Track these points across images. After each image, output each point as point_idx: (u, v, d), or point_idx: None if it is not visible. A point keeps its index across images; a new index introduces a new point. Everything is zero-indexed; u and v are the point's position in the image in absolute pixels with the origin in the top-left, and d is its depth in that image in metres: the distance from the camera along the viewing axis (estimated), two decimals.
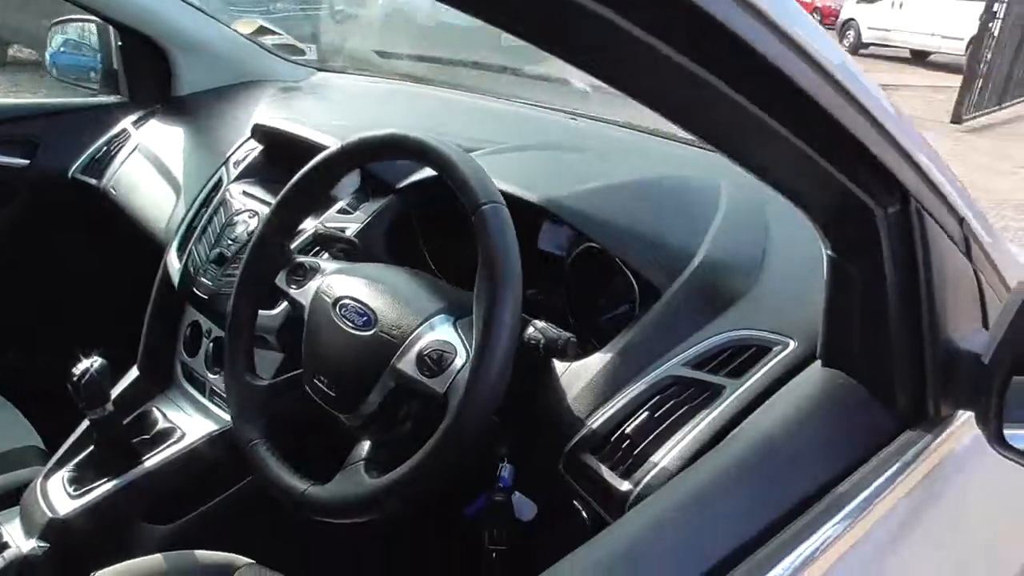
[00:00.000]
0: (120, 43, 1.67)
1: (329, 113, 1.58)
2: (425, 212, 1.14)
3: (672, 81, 0.48)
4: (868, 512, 0.62)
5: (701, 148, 1.22)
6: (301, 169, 0.95)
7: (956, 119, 8.80)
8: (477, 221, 0.75)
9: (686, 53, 0.44)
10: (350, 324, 0.84)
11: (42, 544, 1.06)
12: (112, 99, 1.73)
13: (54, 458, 1.19)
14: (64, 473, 1.16)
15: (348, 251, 1.00)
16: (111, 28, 1.68)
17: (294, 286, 0.93)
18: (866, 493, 0.62)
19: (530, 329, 0.81)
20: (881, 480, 0.64)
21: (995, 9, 8.82)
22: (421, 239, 1.13)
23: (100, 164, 1.62)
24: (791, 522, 0.59)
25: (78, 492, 1.13)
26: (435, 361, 0.77)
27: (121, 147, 1.63)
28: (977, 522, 0.78)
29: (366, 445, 0.82)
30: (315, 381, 0.86)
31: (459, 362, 0.76)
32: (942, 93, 9.94)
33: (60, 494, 1.14)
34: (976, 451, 0.72)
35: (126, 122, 1.68)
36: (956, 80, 9.33)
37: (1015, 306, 0.62)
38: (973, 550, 0.79)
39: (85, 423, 1.20)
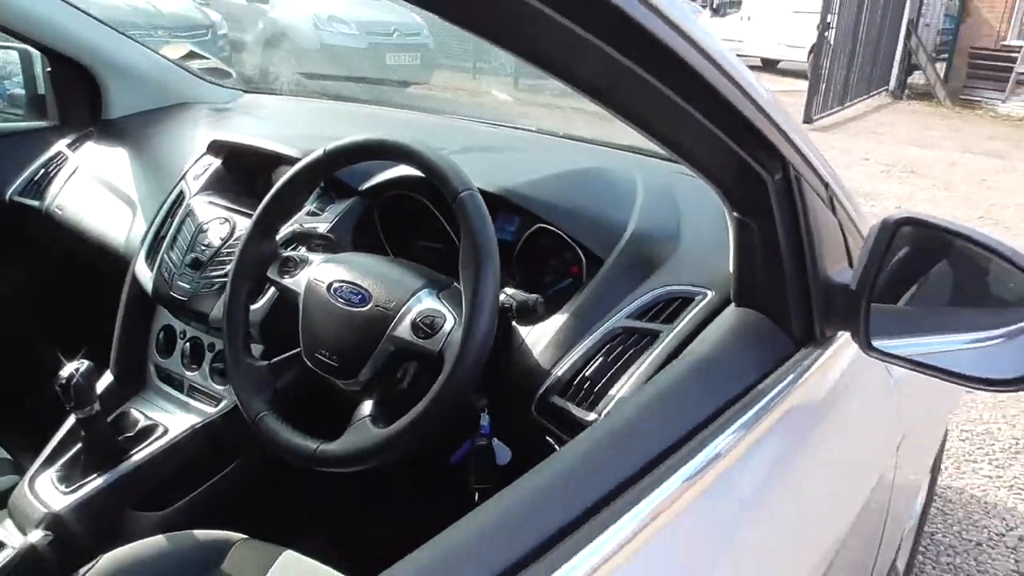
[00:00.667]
0: (49, 69, 1.72)
1: (271, 128, 1.70)
2: (383, 210, 1.29)
3: (600, 68, 0.61)
4: (772, 410, 0.80)
5: (611, 148, 1.43)
6: (269, 176, 1.08)
7: (807, 119, 9.61)
8: (458, 206, 0.92)
9: (611, 44, 0.57)
10: (345, 303, 0.98)
11: (47, 533, 1.13)
12: (42, 123, 1.78)
13: (39, 460, 1.25)
14: (52, 473, 1.23)
15: (324, 245, 1.15)
16: (36, 54, 1.73)
17: (287, 276, 1.06)
18: (770, 395, 0.81)
19: (503, 295, 0.98)
20: (782, 386, 0.84)
21: (828, 20, 9.69)
22: (381, 233, 1.28)
23: (39, 186, 1.67)
24: (707, 426, 0.74)
25: (69, 488, 1.20)
26: (428, 326, 0.93)
27: (59, 169, 1.68)
28: (854, 415, 1.00)
29: (368, 404, 0.96)
30: (316, 355, 0.99)
31: (448, 325, 0.92)
32: (792, 96, 10.78)
33: (51, 491, 1.21)
34: (852, 360, 0.94)
35: (60, 145, 1.73)
36: (804, 85, 10.18)
37: (868, 247, 0.84)
38: (852, 435, 1.00)
39: (66, 425, 1.27)
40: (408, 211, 1.23)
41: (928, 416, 1.28)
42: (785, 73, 15.17)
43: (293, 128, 1.72)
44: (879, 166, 7.25)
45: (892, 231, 0.81)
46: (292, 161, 1.12)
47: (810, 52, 10.37)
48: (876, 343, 0.85)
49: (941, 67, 13.86)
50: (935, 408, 1.34)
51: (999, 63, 13.02)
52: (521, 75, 8.78)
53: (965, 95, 13.03)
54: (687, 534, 0.65)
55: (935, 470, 1.74)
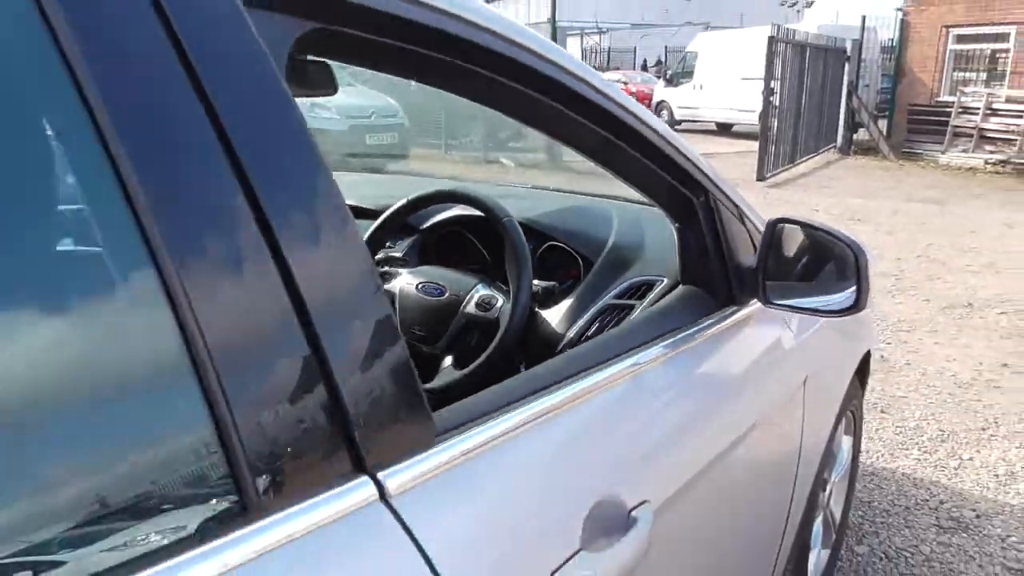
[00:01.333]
0: None
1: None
2: (437, 241, 1.78)
3: (574, 129, 1.03)
4: (696, 338, 1.22)
5: (589, 196, 1.94)
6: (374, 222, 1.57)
7: (760, 177, 10.35)
8: (503, 227, 1.40)
9: (569, 108, 0.98)
10: (429, 295, 1.47)
11: None
12: None
13: None
14: None
15: (402, 265, 1.64)
16: None
17: (385, 285, 1.55)
18: (696, 330, 1.23)
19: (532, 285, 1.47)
20: (706, 326, 1.26)
21: (772, 86, 10.53)
22: (435, 256, 1.77)
23: None
24: (654, 344, 1.12)
25: None
26: (487, 304, 1.41)
27: None
28: (760, 351, 1.44)
29: (449, 359, 1.44)
30: (410, 331, 1.47)
31: (500, 303, 1.41)
32: (746, 157, 11.58)
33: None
34: (759, 316, 1.42)
35: None
36: (756, 146, 10.98)
37: (761, 241, 1.33)
38: (758, 363, 1.42)
39: None
40: (453, 241, 1.73)
41: (829, 365, 1.74)
42: (739, 136, 16.12)
43: (358, 192, 2.21)
44: (828, 216, 7.89)
45: (772, 228, 1.31)
46: (369, 213, 1.61)
47: (760, 115, 11.18)
48: (772, 299, 1.33)
49: (884, 124, 14.87)
50: (836, 361, 1.81)
51: (935, 118, 14.01)
52: (489, 149, 9.52)
53: (907, 148, 13.96)
54: (601, 406, 0.96)
55: (857, 434, 2.20)
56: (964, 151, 13.26)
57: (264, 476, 0.54)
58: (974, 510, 2.54)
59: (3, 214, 0.50)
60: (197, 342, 0.51)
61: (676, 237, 1.35)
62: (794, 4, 36.51)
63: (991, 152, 12.97)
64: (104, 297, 0.53)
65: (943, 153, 13.32)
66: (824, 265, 1.33)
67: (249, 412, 0.54)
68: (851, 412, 2.06)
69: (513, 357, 1.41)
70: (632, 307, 1.42)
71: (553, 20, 12.15)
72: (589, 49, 33.20)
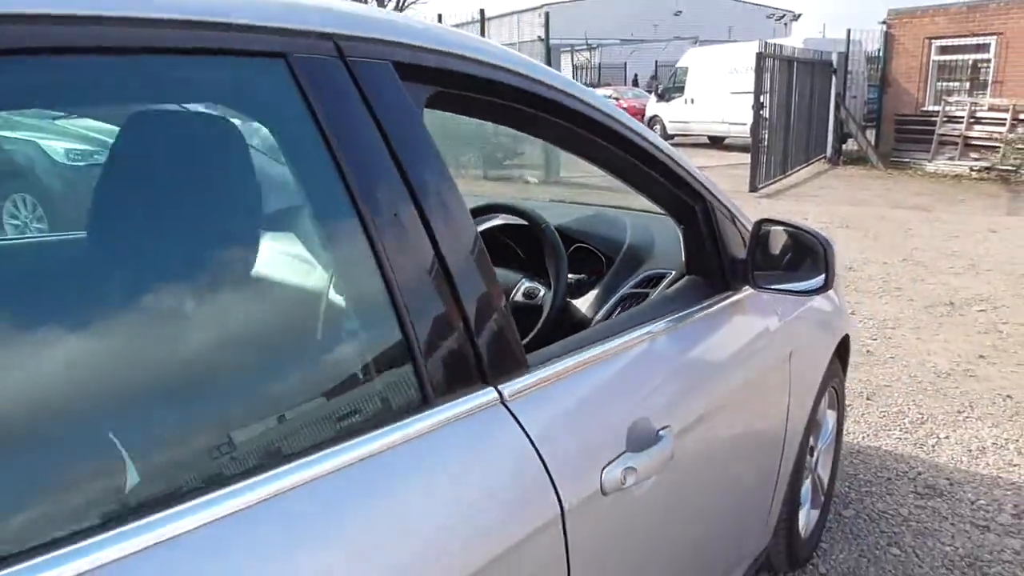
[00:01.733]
0: None
1: None
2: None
3: (597, 150, 1.37)
4: (697, 315, 1.55)
5: (605, 207, 2.27)
6: None
7: (753, 188, 10.72)
8: (542, 232, 1.73)
9: (602, 139, 1.34)
10: None
11: None
12: None
13: None
14: None
15: None
16: None
17: None
18: (698, 308, 1.56)
19: None
20: (706, 306, 1.59)
21: (762, 100, 10.92)
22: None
23: None
24: (661, 319, 1.48)
25: None
26: (532, 294, 1.73)
27: None
28: (750, 328, 1.75)
29: None
30: None
31: (541, 293, 1.73)
32: (738, 169, 11.97)
33: None
34: (749, 300, 1.74)
35: None
36: (747, 158, 11.36)
37: (750, 238, 1.65)
38: (749, 337, 1.74)
39: None
40: (496, 245, 2.05)
41: (810, 344, 2.05)
42: (731, 148, 16.52)
43: None
44: (818, 224, 8.22)
45: (758, 227, 1.63)
46: None
47: (750, 128, 11.58)
48: (759, 284, 1.65)
49: (871, 134, 15.27)
50: (816, 341, 2.12)
51: (921, 127, 14.42)
52: (489, 169, 9.92)
53: (895, 157, 14.36)
54: (632, 358, 1.30)
55: (840, 409, 2.52)
56: (950, 159, 13.66)
57: (434, 381, 0.87)
58: (948, 479, 2.86)
59: (320, 236, 0.84)
60: (399, 299, 0.84)
61: (681, 237, 1.67)
62: (781, 17, 37.14)
63: (976, 159, 13.36)
64: (357, 271, 0.87)
65: (930, 161, 13.72)
66: (800, 256, 1.65)
67: (426, 343, 0.86)
68: (833, 388, 2.38)
69: (553, 335, 1.74)
70: (647, 295, 1.74)
71: (547, 40, 12.52)
72: (580, 66, 33.65)
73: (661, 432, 1.18)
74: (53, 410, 0.68)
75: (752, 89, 11.10)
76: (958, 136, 13.70)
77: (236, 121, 0.87)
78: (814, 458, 2.30)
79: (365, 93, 0.87)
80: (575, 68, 33.13)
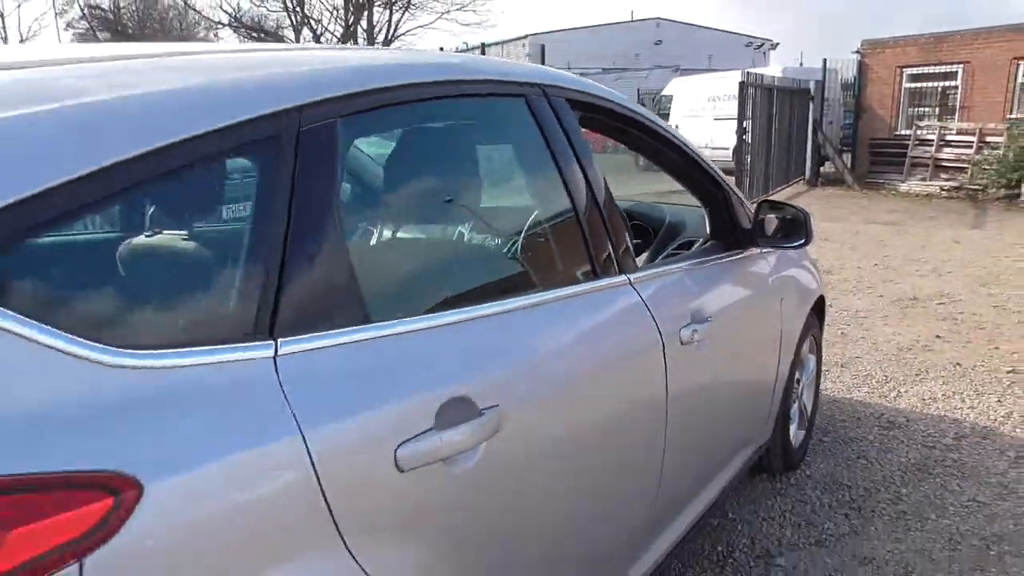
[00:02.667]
0: None
1: None
2: None
3: (657, 153, 2.19)
4: (711, 263, 2.31)
5: (638, 200, 3.05)
6: None
7: None
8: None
9: (667, 149, 2.17)
10: None
11: None
12: None
13: None
14: None
15: None
16: None
17: None
18: (715, 258, 2.33)
19: None
20: (721, 258, 2.35)
21: (745, 125, 11.82)
22: None
23: None
24: (686, 260, 2.26)
25: None
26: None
27: None
28: (751, 279, 2.51)
29: None
30: None
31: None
32: None
33: None
34: (753, 257, 2.50)
35: None
36: (731, 180, 12.22)
37: (753, 215, 2.43)
38: (752, 284, 2.51)
39: None
40: None
41: (794, 295, 2.80)
42: None
43: None
44: None
45: (759, 206, 2.41)
46: None
47: (733, 152, 12.48)
48: (760, 244, 2.43)
49: (848, 157, 16.24)
50: (798, 293, 2.86)
51: (895, 150, 15.40)
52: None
53: (870, 179, 15.32)
54: (681, 276, 2.07)
55: (818, 355, 3.29)
56: (922, 179, 14.61)
57: (597, 266, 1.63)
58: (906, 418, 3.63)
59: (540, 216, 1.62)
60: (583, 226, 1.62)
61: (707, 215, 2.44)
62: (760, 46, 38.48)
63: (946, 180, 14.30)
64: (565, 210, 1.66)
65: (903, 182, 14.66)
66: (788, 229, 2.42)
67: (595, 248, 1.63)
68: (813, 337, 3.15)
69: None
70: (681, 255, 2.50)
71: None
72: None
73: (708, 318, 1.94)
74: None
75: (735, 115, 11.99)
76: (929, 158, 14.67)
77: (506, 129, 1.66)
78: (799, 389, 3.07)
79: (559, 116, 1.64)
80: None
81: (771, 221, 2.44)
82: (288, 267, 1.05)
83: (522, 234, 1.63)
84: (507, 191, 1.95)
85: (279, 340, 1.04)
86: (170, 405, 0.91)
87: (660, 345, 1.73)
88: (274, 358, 1.02)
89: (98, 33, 32.42)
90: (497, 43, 34.98)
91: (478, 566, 1.29)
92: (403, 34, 28.75)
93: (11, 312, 0.81)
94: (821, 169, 15.67)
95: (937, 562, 2.47)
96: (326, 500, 1.02)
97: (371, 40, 27.65)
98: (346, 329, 1.13)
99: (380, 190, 1.80)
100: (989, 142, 14.09)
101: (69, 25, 34.95)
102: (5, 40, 31.60)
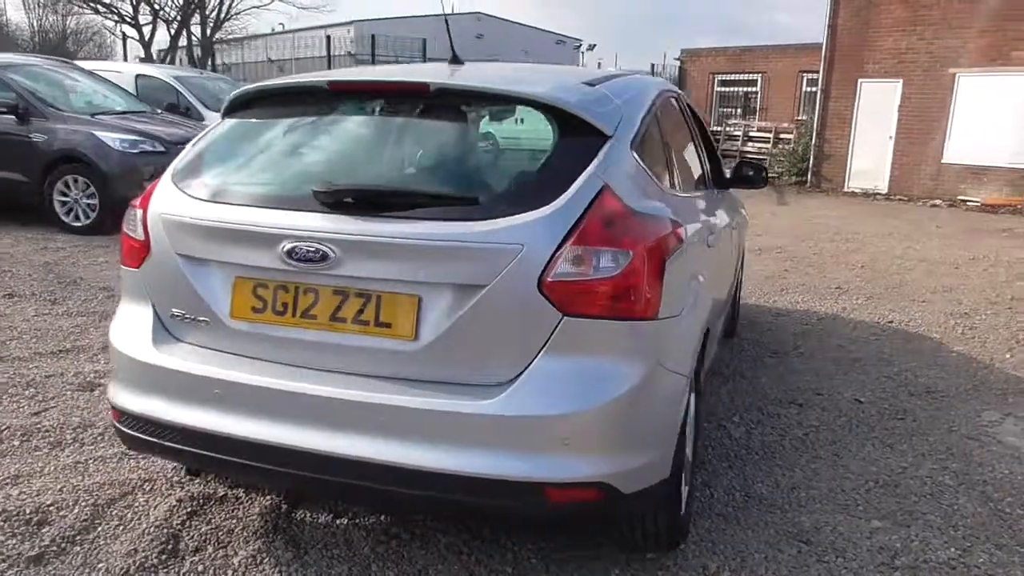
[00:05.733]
0: None
1: None
2: None
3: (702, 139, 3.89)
4: (713, 194, 4.02)
5: None
6: None
7: None
8: None
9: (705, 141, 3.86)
10: None
11: None
12: None
13: None
14: None
15: None
16: None
17: None
18: (712, 194, 4.03)
19: None
20: (715, 194, 4.05)
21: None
22: None
23: None
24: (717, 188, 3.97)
25: None
26: None
27: None
28: (724, 205, 4.26)
29: None
30: None
31: None
32: None
33: None
34: (727, 196, 4.23)
35: None
36: None
37: (732, 171, 4.15)
38: (729, 211, 4.25)
39: None
40: None
41: (740, 228, 4.55)
42: None
43: None
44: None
45: (737, 165, 4.14)
46: None
47: None
48: (731, 186, 4.17)
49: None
50: (741, 229, 4.63)
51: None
52: None
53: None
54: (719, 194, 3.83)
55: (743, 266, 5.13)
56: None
57: (707, 181, 3.28)
58: (786, 312, 5.58)
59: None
60: (706, 172, 3.26)
61: (711, 171, 4.13)
62: (578, 47, 41.57)
63: None
64: (702, 161, 3.31)
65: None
66: (753, 175, 4.16)
67: (715, 176, 3.28)
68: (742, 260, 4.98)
69: None
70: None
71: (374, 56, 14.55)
72: None
73: (725, 227, 3.64)
74: None
75: None
76: (736, 151, 17.57)
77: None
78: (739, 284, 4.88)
79: (691, 109, 3.24)
80: None
81: (744, 171, 4.17)
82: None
83: (703, 165, 3.25)
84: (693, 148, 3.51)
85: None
86: None
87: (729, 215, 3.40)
88: None
89: None
90: (319, 27, 35.19)
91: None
92: (237, 14, 28.45)
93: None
94: None
95: (822, 360, 4.35)
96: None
97: (204, 18, 27.22)
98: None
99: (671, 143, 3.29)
100: (782, 138, 17.21)
101: None
102: None
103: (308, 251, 2.00)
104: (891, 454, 3.30)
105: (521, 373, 1.95)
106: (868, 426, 3.62)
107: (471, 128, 2.39)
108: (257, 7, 29.69)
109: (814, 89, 16.46)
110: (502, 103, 2.35)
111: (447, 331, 1.97)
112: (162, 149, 7.32)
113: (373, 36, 23.03)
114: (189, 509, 2.62)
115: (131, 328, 2.30)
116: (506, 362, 1.97)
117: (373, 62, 21.44)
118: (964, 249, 8.69)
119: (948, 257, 8.16)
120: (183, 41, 26.65)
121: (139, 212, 2.29)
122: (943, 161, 14.21)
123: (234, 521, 2.58)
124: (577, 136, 2.16)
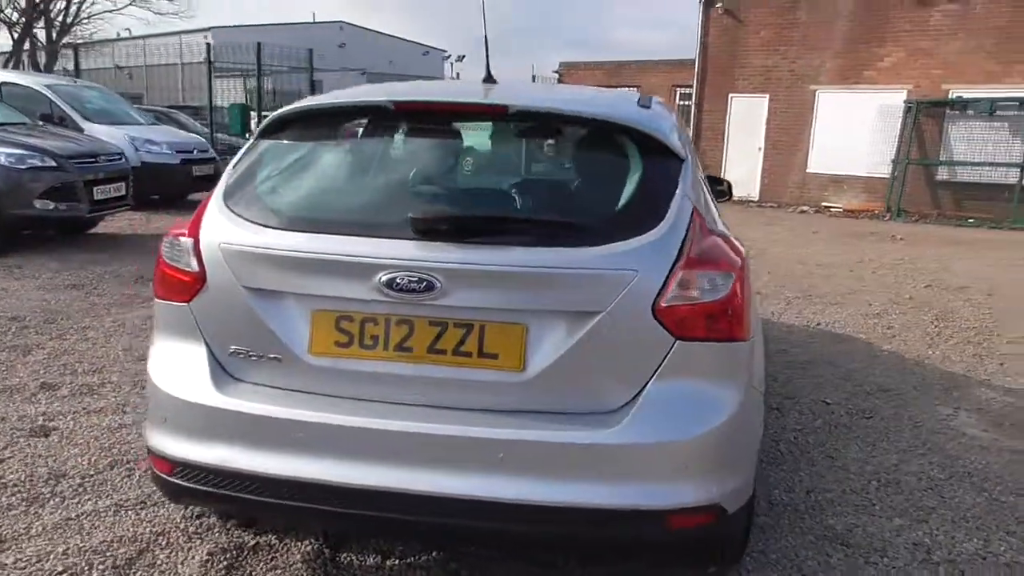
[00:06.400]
0: None
1: None
2: None
3: None
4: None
5: None
6: None
7: None
8: None
9: None
10: None
11: None
12: None
13: None
14: None
15: None
16: None
17: None
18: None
19: None
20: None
21: None
22: None
23: None
24: None
25: None
26: None
27: None
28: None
29: None
30: None
31: None
32: None
33: None
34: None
35: None
36: None
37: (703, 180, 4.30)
38: None
39: None
40: None
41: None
42: None
43: None
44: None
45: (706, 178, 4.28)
46: None
47: None
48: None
49: None
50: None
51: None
52: None
53: None
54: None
55: None
56: None
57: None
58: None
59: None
60: (701, 190, 3.34)
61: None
62: (447, 57, 41.72)
63: None
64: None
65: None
66: (721, 189, 4.31)
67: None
68: None
69: None
70: None
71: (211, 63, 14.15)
72: (252, 90, 34.51)
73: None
74: None
75: None
76: None
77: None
78: None
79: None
80: (247, 92, 33.63)
81: (714, 186, 4.30)
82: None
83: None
84: None
85: None
86: None
87: None
88: None
89: None
90: (174, 33, 33.42)
91: None
92: (87, 18, 26.53)
93: None
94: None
95: (775, 364, 4.56)
96: None
97: (49, 22, 25.16)
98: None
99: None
100: None
101: None
102: None
103: (411, 281, 1.89)
104: (877, 452, 3.50)
105: (635, 399, 1.93)
106: (845, 427, 3.82)
107: (553, 151, 2.33)
108: (111, 11, 27.81)
109: (688, 103, 17.31)
110: (578, 125, 2.31)
111: (559, 360, 1.91)
112: (53, 164, 6.70)
113: (259, 44, 22.08)
114: (225, 562, 2.40)
115: (180, 369, 2.08)
116: (619, 389, 1.94)
117: (259, 73, 20.42)
118: (847, 253, 9.38)
119: (836, 261, 8.78)
120: (27, 46, 24.50)
121: (189, 241, 2.08)
122: (808, 171, 15.32)
123: (278, 572, 2.38)
124: (659, 158, 2.16)
